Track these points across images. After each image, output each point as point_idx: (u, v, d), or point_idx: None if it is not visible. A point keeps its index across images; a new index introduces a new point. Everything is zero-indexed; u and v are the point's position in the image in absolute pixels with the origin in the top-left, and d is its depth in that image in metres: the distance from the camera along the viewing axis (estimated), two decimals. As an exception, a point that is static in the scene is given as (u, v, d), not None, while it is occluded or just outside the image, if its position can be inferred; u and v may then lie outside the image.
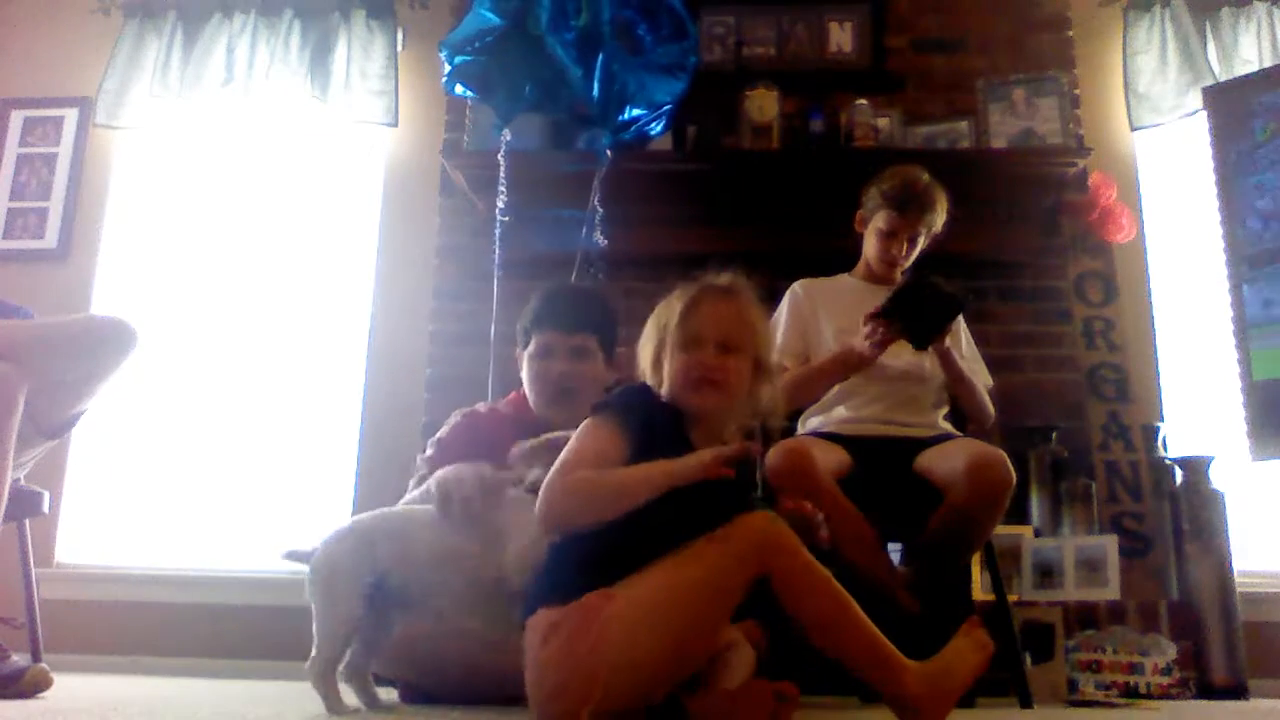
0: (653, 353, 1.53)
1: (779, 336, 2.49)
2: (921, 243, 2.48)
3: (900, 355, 2.31)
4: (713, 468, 1.38)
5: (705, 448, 1.46)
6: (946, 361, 2.34)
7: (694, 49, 2.83)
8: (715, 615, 1.37)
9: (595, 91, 2.61)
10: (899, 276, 2.53)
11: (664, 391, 1.51)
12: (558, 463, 1.41)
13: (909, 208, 2.41)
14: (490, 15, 2.61)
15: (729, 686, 1.40)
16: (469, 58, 2.66)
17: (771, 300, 2.63)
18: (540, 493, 1.40)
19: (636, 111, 2.73)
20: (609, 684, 1.31)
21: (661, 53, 2.76)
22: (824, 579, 1.37)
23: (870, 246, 2.51)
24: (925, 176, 2.46)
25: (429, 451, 2.14)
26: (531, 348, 2.13)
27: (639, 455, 1.42)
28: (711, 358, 1.48)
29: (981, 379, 2.47)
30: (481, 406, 2.25)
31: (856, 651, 1.35)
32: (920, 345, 2.24)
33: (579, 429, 1.46)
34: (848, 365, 2.30)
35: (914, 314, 2.17)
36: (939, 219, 2.45)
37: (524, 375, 2.17)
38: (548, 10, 2.55)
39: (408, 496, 2.15)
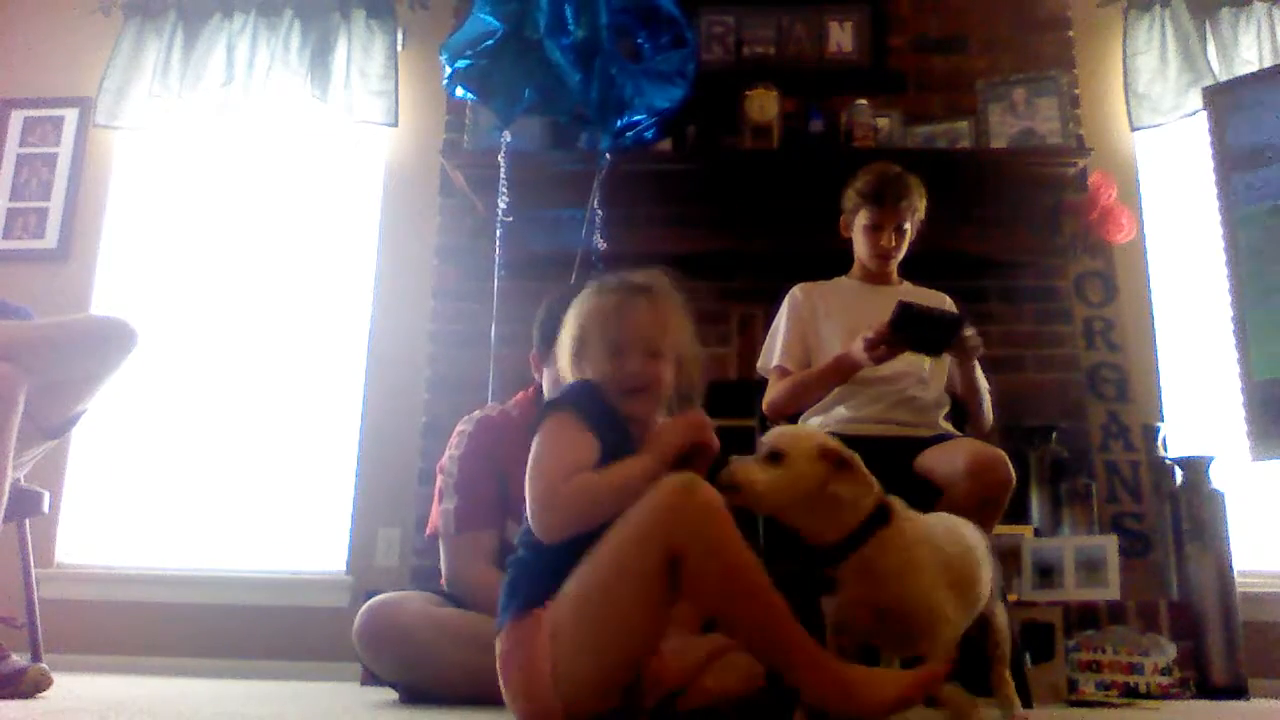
0: (572, 351, 1.49)
1: (779, 340, 2.50)
2: (909, 232, 2.49)
3: (900, 356, 2.31)
4: (690, 431, 1.40)
5: (639, 440, 1.45)
6: (967, 376, 2.38)
7: (693, 57, 2.84)
8: (638, 602, 1.28)
9: (594, 95, 2.61)
10: (894, 271, 2.54)
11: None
12: (541, 470, 1.37)
13: (886, 197, 2.43)
14: (490, 19, 2.62)
15: (719, 692, 1.37)
16: (469, 61, 2.66)
17: (770, 301, 2.65)
18: (536, 502, 1.36)
19: (636, 117, 2.73)
20: (558, 692, 1.30)
21: (660, 60, 2.76)
22: (738, 560, 1.26)
23: (860, 246, 2.52)
24: (896, 168, 2.49)
25: (450, 469, 2.13)
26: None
27: (603, 451, 1.41)
28: (639, 365, 1.45)
29: (982, 382, 2.49)
30: (492, 411, 2.23)
31: (769, 648, 1.26)
32: (932, 354, 2.26)
33: (544, 430, 1.42)
34: (845, 372, 2.32)
35: (915, 335, 2.18)
36: (919, 204, 2.47)
37: (546, 380, 2.16)
38: (546, 15, 2.55)
39: (440, 508, 2.15)
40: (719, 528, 1.27)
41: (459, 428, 2.20)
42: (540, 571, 1.36)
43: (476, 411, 2.24)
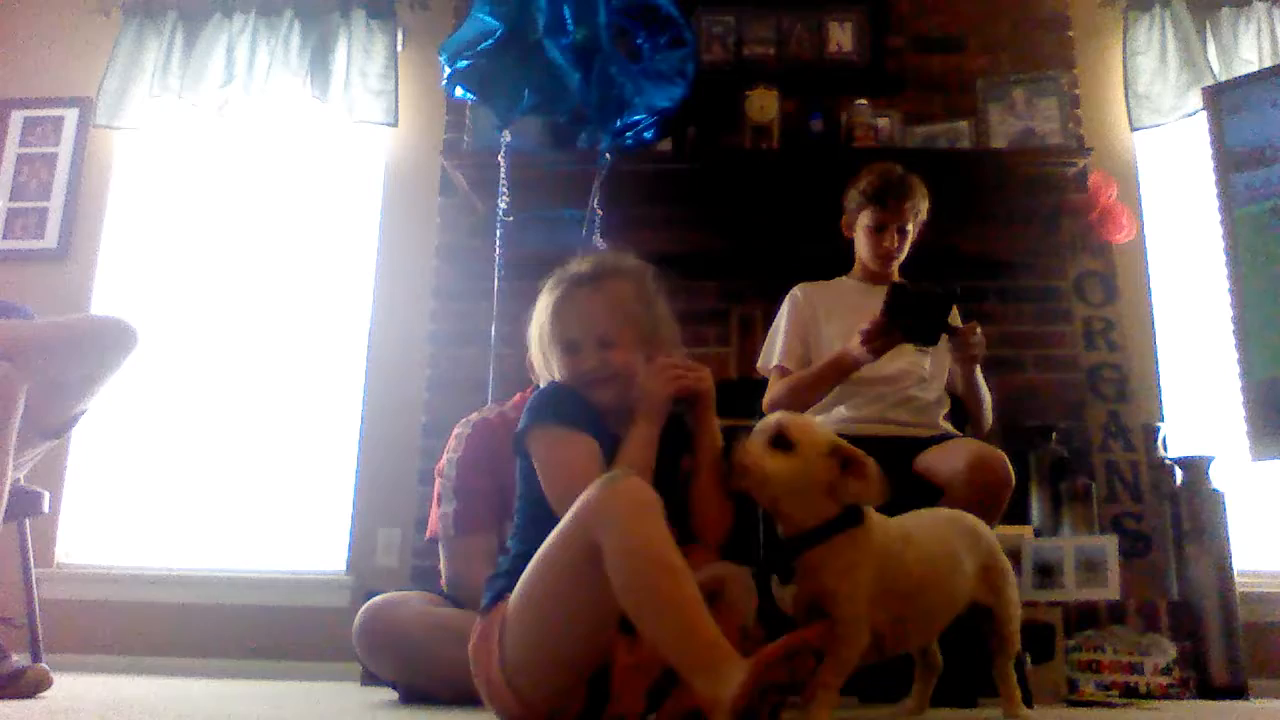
0: (538, 350, 1.51)
1: (779, 340, 2.50)
2: (911, 232, 2.49)
3: (900, 355, 2.31)
4: (667, 382, 1.41)
5: (618, 427, 1.46)
6: (969, 378, 2.38)
7: (692, 56, 2.84)
8: (569, 593, 1.27)
9: (593, 95, 2.62)
10: (895, 271, 2.55)
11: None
12: (554, 491, 1.37)
13: (890, 198, 2.44)
14: (489, 19, 2.62)
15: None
16: (468, 62, 2.66)
17: (770, 301, 2.65)
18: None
19: (636, 116, 2.74)
20: (510, 686, 1.31)
21: (660, 59, 2.76)
22: (649, 554, 1.20)
23: (862, 246, 2.52)
24: (899, 168, 2.50)
25: (448, 472, 2.14)
26: None
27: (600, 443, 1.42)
28: (593, 359, 1.45)
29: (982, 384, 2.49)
30: (489, 413, 2.23)
31: (670, 649, 1.18)
32: (927, 343, 2.25)
33: (541, 445, 1.42)
34: (844, 370, 2.32)
35: (910, 318, 2.17)
36: (922, 205, 2.48)
37: (542, 384, 2.16)
38: (545, 14, 2.55)
39: (440, 511, 2.15)
40: (635, 520, 1.22)
41: (456, 430, 2.21)
42: (518, 566, 1.37)
43: (474, 414, 2.25)
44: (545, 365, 1.50)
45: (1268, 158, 3.15)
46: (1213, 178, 3.25)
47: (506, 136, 2.85)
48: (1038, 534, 3.03)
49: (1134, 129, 3.62)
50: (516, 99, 2.70)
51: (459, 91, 2.77)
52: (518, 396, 2.25)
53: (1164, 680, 2.57)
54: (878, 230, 2.47)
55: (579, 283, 1.48)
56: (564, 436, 1.41)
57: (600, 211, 2.91)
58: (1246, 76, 3.39)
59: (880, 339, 2.17)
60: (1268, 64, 3.46)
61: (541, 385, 2.14)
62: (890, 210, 2.44)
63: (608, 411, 1.47)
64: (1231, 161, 3.21)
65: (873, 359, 2.22)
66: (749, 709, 1.06)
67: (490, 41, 2.63)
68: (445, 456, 2.18)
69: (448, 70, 2.71)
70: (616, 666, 1.32)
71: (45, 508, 2.45)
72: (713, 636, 1.15)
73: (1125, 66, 3.65)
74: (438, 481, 2.18)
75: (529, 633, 1.31)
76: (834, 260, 2.63)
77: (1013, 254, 3.37)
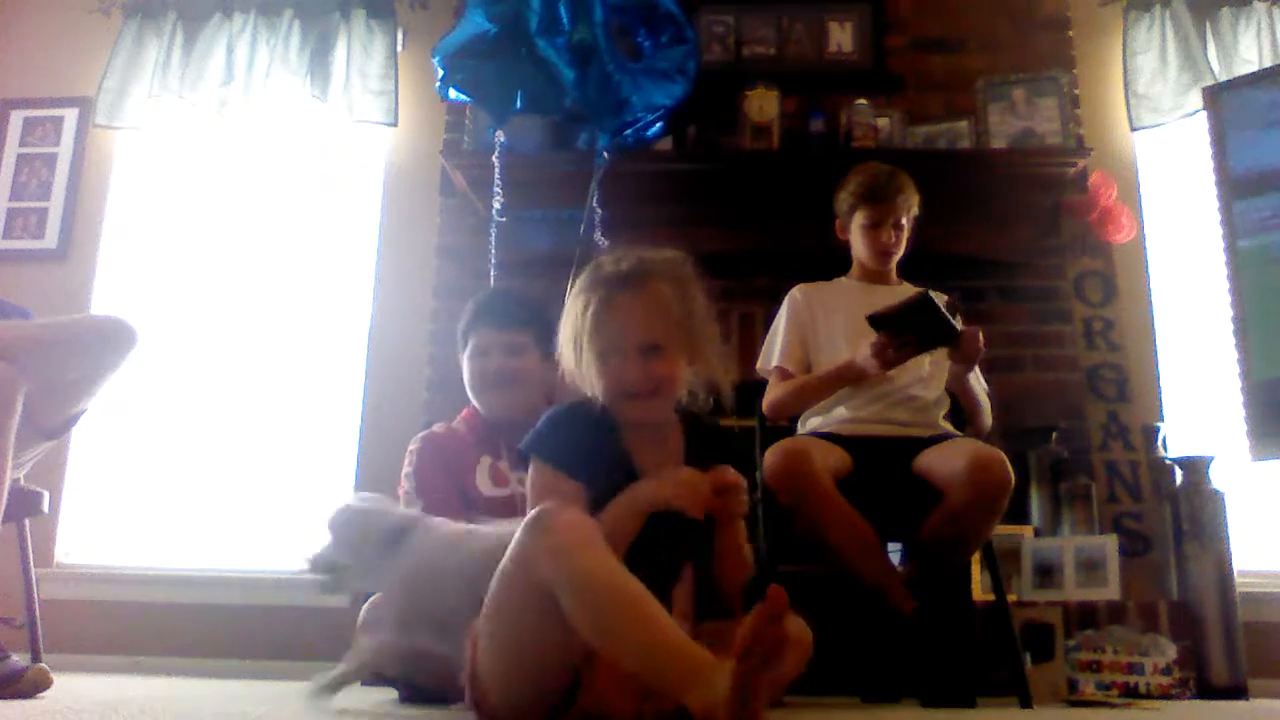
0: (572, 352, 1.42)
1: (778, 341, 2.51)
2: (906, 229, 2.50)
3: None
4: (690, 500, 1.33)
5: (642, 451, 1.42)
6: (963, 381, 2.39)
7: (693, 53, 2.84)
8: (535, 634, 1.22)
9: (590, 93, 2.62)
10: (894, 270, 2.55)
11: (596, 394, 1.41)
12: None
13: (884, 194, 2.46)
14: (484, 21, 2.62)
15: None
16: (461, 65, 2.67)
17: (770, 301, 2.65)
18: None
19: (635, 115, 2.74)
20: (488, 699, 1.30)
21: (660, 57, 2.77)
22: (603, 590, 1.15)
23: (859, 245, 2.53)
24: (887, 166, 2.52)
25: (409, 485, 2.18)
26: (469, 348, 2.21)
27: (589, 484, 1.39)
28: (636, 368, 1.37)
29: (979, 384, 2.49)
30: (438, 429, 2.28)
31: (651, 673, 1.13)
32: (942, 345, 2.26)
33: (536, 480, 1.40)
34: (849, 380, 2.33)
35: (907, 333, 2.19)
36: (913, 199, 2.50)
37: (465, 375, 2.23)
38: (539, 14, 2.56)
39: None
40: (578, 555, 1.17)
41: (410, 448, 2.25)
42: None
43: (423, 432, 2.29)
44: (579, 370, 1.42)
45: (1268, 160, 3.14)
46: (1213, 178, 3.25)
47: (500, 137, 2.86)
48: (1038, 534, 3.03)
49: (1134, 129, 3.62)
50: (510, 99, 2.71)
51: (453, 94, 2.77)
52: (466, 411, 2.28)
53: (1164, 680, 2.57)
54: (874, 227, 2.47)
55: (619, 286, 1.38)
56: (555, 481, 1.38)
57: (600, 210, 2.91)
58: (1247, 76, 3.38)
59: (891, 352, 2.18)
60: (1268, 64, 3.46)
61: (506, 385, 2.18)
62: (884, 206, 2.46)
63: (638, 425, 1.43)
64: (1232, 161, 3.20)
65: (881, 371, 2.24)
66: (741, 701, 1.03)
67: (484, 45, 2.64)
68: (402, 472, 2.23)
69: (441, 73, 2.72)
70: (598, 673, 1.29)
71: (45, 508, 2.45)
72: (689, 649, 1.11)
73: (1125, 66, 3.65)
74: (401, 497, 2.22)
75: (494, 660, 1.29)
76: (834, 260, 2.63)
77: (1012, 254, 3.37)
